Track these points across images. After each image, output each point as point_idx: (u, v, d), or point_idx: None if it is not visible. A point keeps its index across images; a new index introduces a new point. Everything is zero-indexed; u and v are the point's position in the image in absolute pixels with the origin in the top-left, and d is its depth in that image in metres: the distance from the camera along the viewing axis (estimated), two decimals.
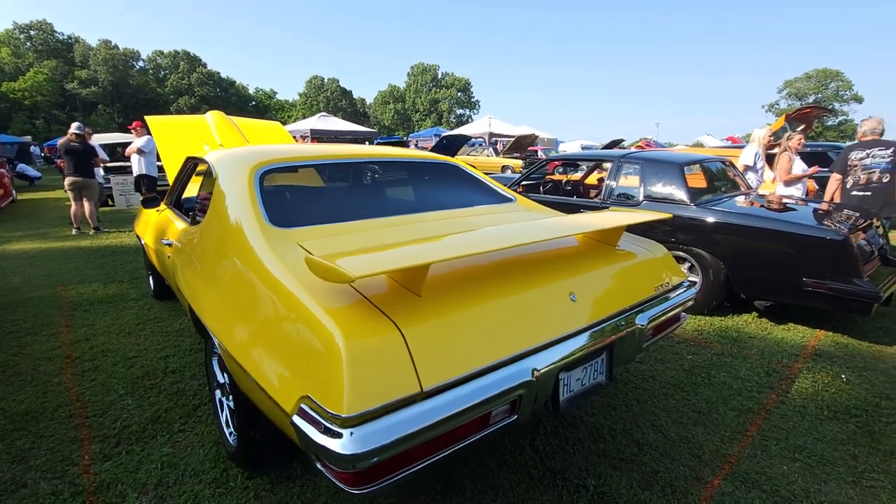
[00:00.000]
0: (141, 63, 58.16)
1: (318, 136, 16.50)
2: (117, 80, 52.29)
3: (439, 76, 76.41)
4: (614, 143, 18.64)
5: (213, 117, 4.92)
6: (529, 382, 1.32)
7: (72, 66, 51.04)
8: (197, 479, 1.92)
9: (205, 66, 61.21)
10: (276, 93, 76.52)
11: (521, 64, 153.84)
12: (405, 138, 15.71)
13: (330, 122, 16.73)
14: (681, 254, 3.83)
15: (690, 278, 3.82)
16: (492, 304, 1.41)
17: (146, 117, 4.96)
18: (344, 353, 1.10)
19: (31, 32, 50.70)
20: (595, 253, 1.91)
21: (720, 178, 4.78)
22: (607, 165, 4.52)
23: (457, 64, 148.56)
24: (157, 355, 3.03)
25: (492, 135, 21.75)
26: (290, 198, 2.14)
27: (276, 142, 5.21)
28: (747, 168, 5.33)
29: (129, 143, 8.11)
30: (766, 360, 3.02)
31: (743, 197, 4.17)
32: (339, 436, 1.03)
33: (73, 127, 7.01)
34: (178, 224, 2.67)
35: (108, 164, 9.73)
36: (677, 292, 2.02)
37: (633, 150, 5.14)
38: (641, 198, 4.07)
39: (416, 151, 2.91)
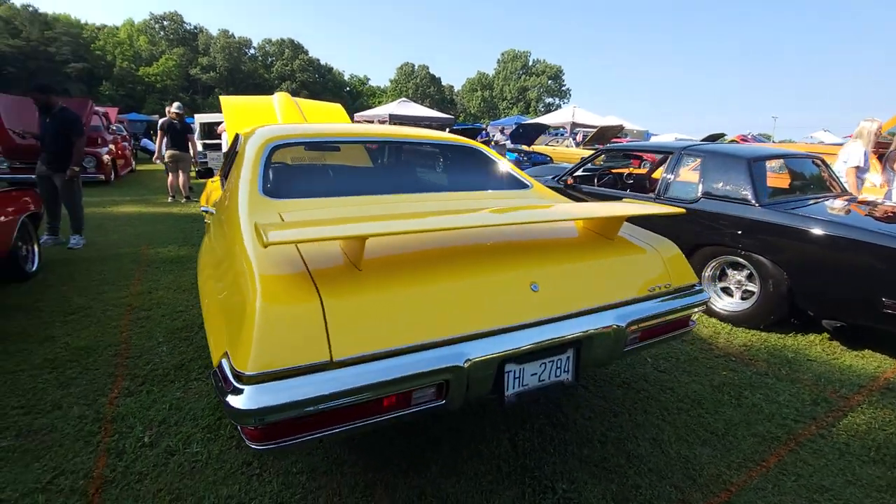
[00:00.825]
0: (252, 50, 63.58)
1: (397, 121, 16.96)
2: (232, 67, 57.72)
3: (530, 63, 74.63)
4: (714, 138, 16.97)
5: (279, 98, 5.26)
6: (457, 368, 1.28)
7: (196, 54, 57.22)
8: (194, 423, 2.11)
9: (307, 53, 65.40)
10: (368, 79, 79.77)
11: (621, 50, 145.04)
12: (485, 126, 15.58)
13: (408, 108, 17.09)
14: (738, 259, 3.43)
15: (749, 287, 3.41)
16: (436, 286, 1.37)
17: (220, 97, 5.43)
18: (257, 313, 1.14)
19: (164, 23, 57.53)
20: (582, 244, 1.78)
21: (804, 178, 4.17)
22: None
23: (550, 51, 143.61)
24: (199, 311, 3.36)
25: (574, 125, 20.86)
26: (293, 172, 2.24)
27: (332, 122, 5.44)
28: (859, 170, 4.54)
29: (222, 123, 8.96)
30: (818, 388, 2.62)
31: (832, 200, 3.61)
32: (239, 392, 1.08)
33: (174, 107, 7.89)
34: (217, 193, 2.92)
35: (206, 141, 10.83)
36: (679, 296, 1.81)
37: (698, 142, 4.65)
38: (699, 194, 3.69)
39: (436, 133, 2.88)
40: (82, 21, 53.54)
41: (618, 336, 1.62)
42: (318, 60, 67.32)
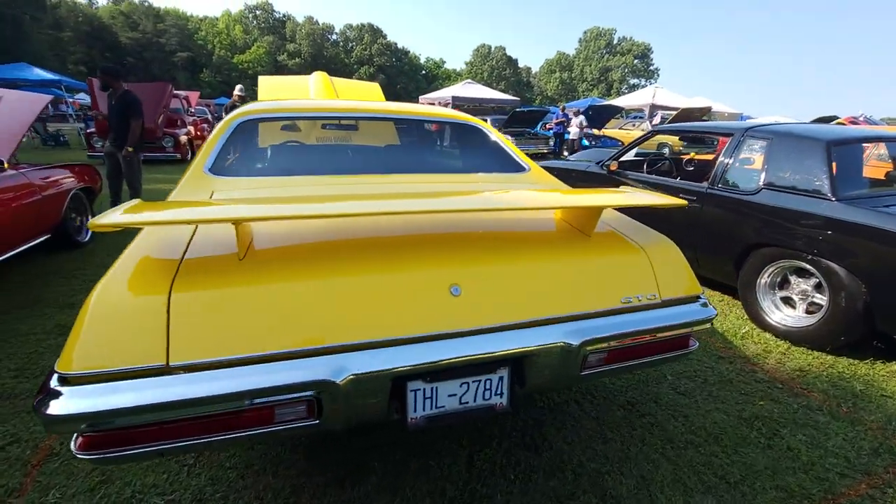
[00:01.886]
0: (334, 36, 65.89)
1: (459, 104, 16.62)
2: (315, 52, 60.30)
3: (615, 41, 70.03)
4: (826, 121, 14.76)
5: (315, 77, 5.22)
6: (328, 384, 1.06)
7: (283, 41, 60.44)
8: None
9: (385, 37, 66.51)
10: (444, 62, 79.55)
11: (722, 25, 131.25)
12: (562, 106, 14.69)
13: (472, 90, 16.65)
14: (804, 265, 2.82)
15: (816, 298, 2.80)
16: (324, 284, 1.16)
17: (259, 77, 5.51)
18: (90, 305, 1.01)
19: (257, 12, 61.26)
20: (544, 240, 1.46)
21: None
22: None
23: (637, 29, 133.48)
24: None
25: (654, 107, 19.23)
26: (258, 149, 2.11)
27: (362, 100, 5.30)
28: None
29: None
30: (886, 434, 2.06)
31: None
32: (55, 395, 0.95)
33: (237, 89, 8.26)
34: None
35: None
36: (669, 310, 1.44)
37: (769, 123, 3.91)
38: (761, 183, 3.08)
39: (435, 110, 2.62)
40: (188, 13, 58.64)
41: (568, 356, 1.30)
42: (396, 44, 68.19)
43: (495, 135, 2.44)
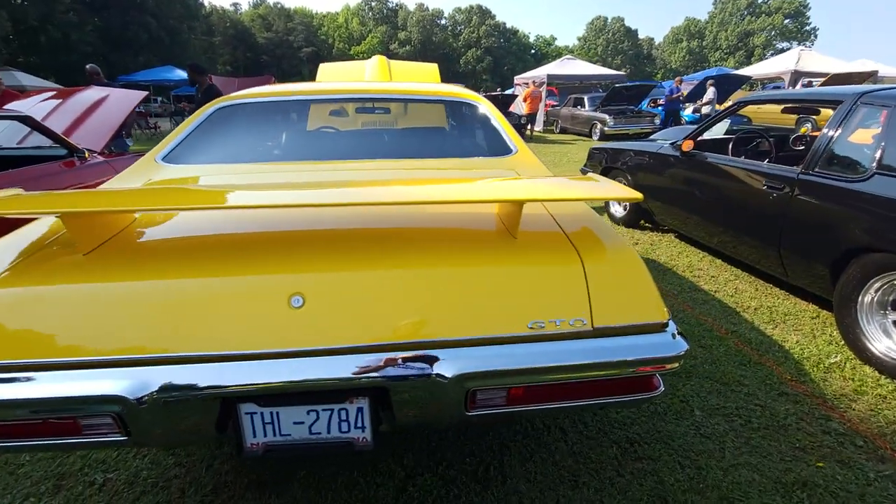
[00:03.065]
0: (443, 21, 66.51)
1: (555, 81, 15.61)
2: (424, 39, 61.60)
3: (759, 0, 60.27)
4: None
5: (373, 60, 5.20)
6: (125, 401, 0.94)
7: (395, 30, 62.69)
8: None
9: (493, 17, 65.36)
10: (555, 39, 75.95)
11: None
12: (677, 81, 12.93)
13: (570, 66, 15.36)
14: None
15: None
16: (151, 287, 1.03)
17: (320, 65, 5.64)
18: None
19: (372, 3, 64.18)
20: (451, 242, 1.17)
21: None
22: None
23: None
24: None
25: (797, 73, 16.16)
26: (219, 135, 2.05)
27: (419, 81, 5.13)
28: None
29: None
30: None
31: None
32: None
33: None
34: None
35: None
36: (605, 341, 1.06)
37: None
38: (874, 167, 2.31)
39: (425, 87, 2.36)
40: (313, 11, 63.71)
41: (441, 392, 1.02)
42: (504, 24, 66.65)
43: (490, 112, 2.12)
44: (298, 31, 57.94)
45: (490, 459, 1.72)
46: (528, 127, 13.84)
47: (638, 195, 1.08)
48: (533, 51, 71.86)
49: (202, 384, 0.97)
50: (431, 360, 1.01)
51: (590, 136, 13.32)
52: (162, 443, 1.05)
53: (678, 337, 1.13)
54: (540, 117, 14.77)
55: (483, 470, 1.67)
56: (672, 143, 3.90)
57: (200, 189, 1.36)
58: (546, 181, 1.22)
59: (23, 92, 5.10)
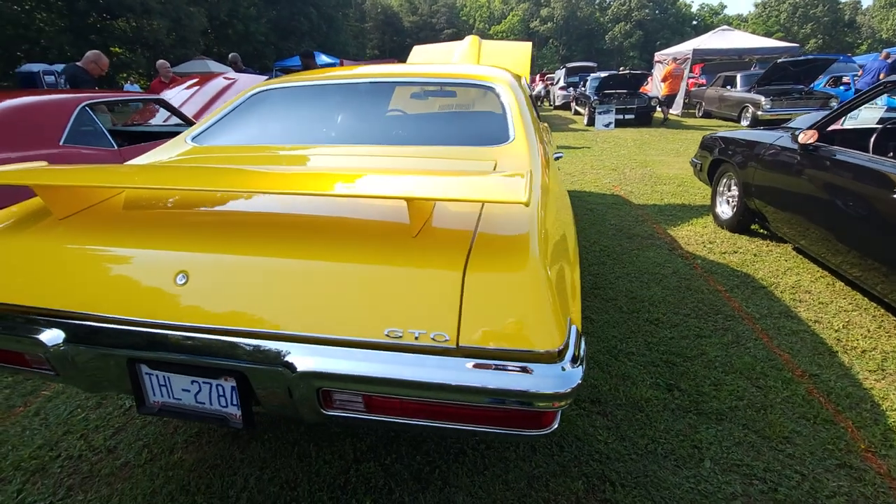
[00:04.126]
0: None
1: (701, 56, 13.49)
2: (568, 15, 58.51)
3: None
4: None
5: (465, 41, 5.12)
6: (42, 345, 1.10)
7: (538, 6, 60.61)
8: None
9: None
10: (724, 7, 65.96)
11: None
12: (883, 54, 10.13)
13: (725, 38, 12.94)
14: None
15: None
16: (85, 251, 1.18)
17: (414, 47, 5.69)
18: None
19: None
20: (350, 235, 1.12)
21: None
22: None
23: None
24: None
25: None
26: (249, 119, 2.21)
27: (512, 63, 4.89)
28: None
29: None
30: None
31: None
32: None
33: None
34: None
35: None
36: (469, 363, 0.93)
37: None
38: None
39: (446, 70, 2.24)
40: None
41: (291, 386, 1.01)
42: None
43: (507, 96, 1.95)
44: (441, 13, 59.58)
45: (440, 462, 1.65)
46: (663, 110, 12.37)
47: (520, 199, 0.90)
48: (694, 22, 63.45)
49: (99, 341, 1.10)
50: (283, 353, 1.00)
51: (738, 121, 11.40)
52: (84, 385, 1.24)
53: (575, 368, 0.94)
54: (680, 99, 13.06)
55: (428, 471, 1.62)
56: (792, 134, 3.16)
57: (147, 169, 1.48)
58: (447, 178, 1.09)
59: (181, 77, 6.17)
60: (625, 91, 11.78)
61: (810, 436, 1.75)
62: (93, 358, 1.13)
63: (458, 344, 0.95)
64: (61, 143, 3.04)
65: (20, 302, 1.15)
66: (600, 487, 1.55)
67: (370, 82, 2.17)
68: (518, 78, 2.44)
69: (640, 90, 12.09)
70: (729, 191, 4.07)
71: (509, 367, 0.93)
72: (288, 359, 1.00)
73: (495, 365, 0.93)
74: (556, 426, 1.02)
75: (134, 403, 1.19)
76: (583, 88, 13.86)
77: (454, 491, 1.55)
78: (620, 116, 11.42)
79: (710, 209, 4.40)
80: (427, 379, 0.93)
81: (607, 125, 11.30)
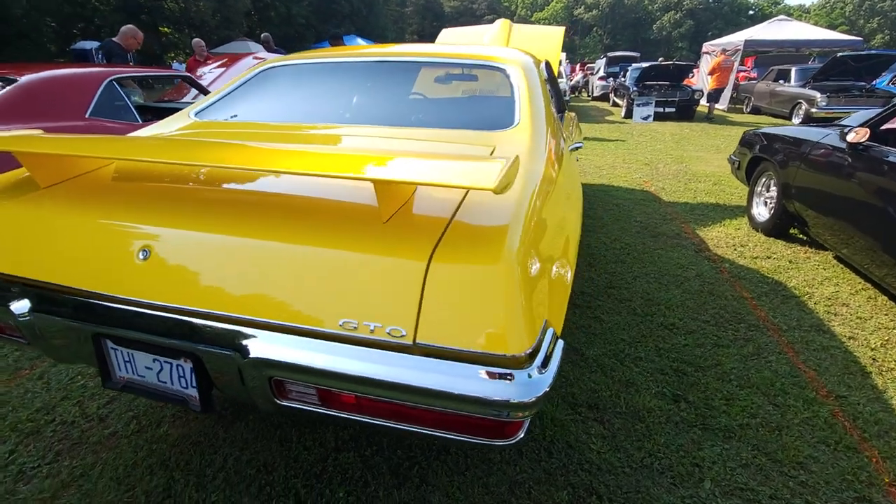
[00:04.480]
0: None
1: (754, 48, 12.62)
2: (614, 2, 56.38)
3: None
4: None
5: (495, 24, 4.96)
6: (10, 314, 1.10)
7: None
8: None
9: None
10: None
11: None
12: None
13: (781, 30, 11.96)
14: None
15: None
16: (56, 220, 1.16)
17: (443, 30, 5.54)
18: None
19: None
20: (321, 217, 1.06)
21: None
22: None
23: None
24: None
25: None
26: (254, 96, 2.16)
27: (541, 48, 4.69)
28: None
29: None
30: None
31: None
32: None
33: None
34: None
35: None
36: (424, 362, 0.85)
37: None
38: None
39: (457, 51, 2.13)
40: None
41: (243, 372, 0.96)
42: None
43: (518, 79, 1.84)
44: (482, 0, 58.56)
45: (420, 459, 1.60)
46: (708, 105, 11.74)
47: (488, 185, 0.80)
48: (751, 12, 60.01)
49: (64, 313, 1.09)
50: (235, 337, 0.96)
51: (790, 118, 10.70)
52: (53, 356, 1.23)
53: (542, 376, 0.85)
54: (727, 93, 12.34)
55: (407, 467, 1.57)
56: (841, 132, 2.89)
57: (131, 141, 1.43)
58: (417, 160, 1.00)
59: (218, 56, 6.25)
60: (667, 83, 11.23)
61: (828, 463, 1.60)
62: (59, 329, 1.12)
63: (415, 340, 0.87)
64: (87, 116, 3.12)
65: (7, 271, 1.15)
66: (586, 500, 1.46)
67: (376, 62, 2.09)
68: (539, 62, 2.30)
69: (684, 82, 11.51)
70: (767, 191, 3.79)
71: (467, 370, 0.84)
72: (240, 343, 0.95)
73: (451, 366, 0.85)
74: (521, 436, 0.93)
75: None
76: (622, 79, 13.33)
77: (431, 490, 1.49)
78: (660, 109, 10.93)
79: (745, 210, 4.13)
80: (374, 376, 0.86)
81: (645, 118, 10.84)
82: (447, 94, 2.07)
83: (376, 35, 32.20)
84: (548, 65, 3.24)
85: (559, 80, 11.59)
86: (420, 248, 0.93)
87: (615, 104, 14.42)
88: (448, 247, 0.94)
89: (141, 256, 1.05)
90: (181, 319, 1.00)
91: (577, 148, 2.76)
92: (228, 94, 2.11)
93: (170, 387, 1.12)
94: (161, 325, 1.02)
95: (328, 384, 0.92)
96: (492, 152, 1.42)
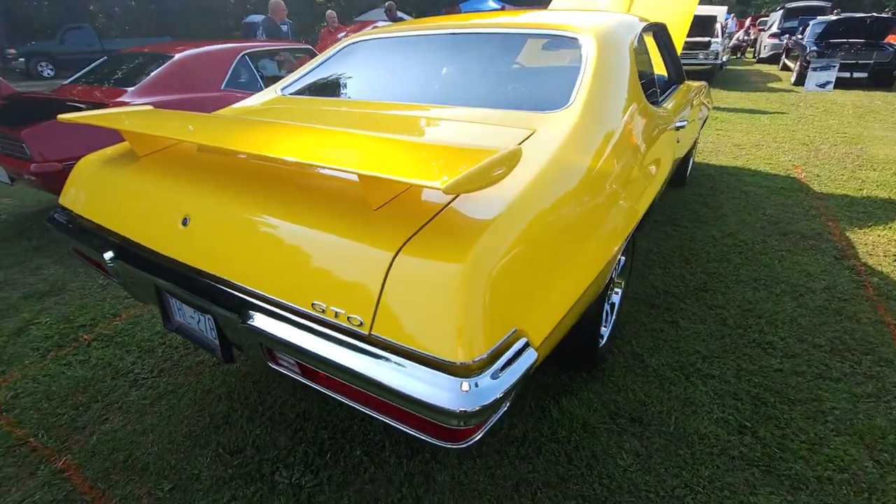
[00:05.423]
0: None
1: None
2: None
3: None
4: None
5: None
6: (104, 258, 1.36)
7: None
8: None
9: None
10: None
11: None
12: None
13: None
14: None
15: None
16: (142, 187, 1.40)
17: None
18: None
19: None
20: (330, 198, 1.11)
21: None
22: None
23: None
24: None
25: None
26: (334, 71, 2.24)
27: (672, 9, 4.04)
28: None
29: None
30: None
31: None
32: None
33: None
34: None
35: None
36: (374, 352, 0.86)
37: None
38: None
39: (533, 20, 1.94)
40: None
41: (242, 335, 1.08)
42: None
43: (591, 50, 1.65)
44: None
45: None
46: None
47: (436, 184, 0.74)
48: None
49: (134, 263, 1.32)
50: (237, 303, 1.07)
51: None
52: (134, 296, 1.51)
53: (490, 385, 0.81)
54: None
55: (422, 442, 1.62)
56: None
57: (206, 120, 1.60)
58: (399, 149, 0.97)
59: (343, 25, 6.66)
60: (860, 41, 8.99)
61: None
62: (132, 276, 1.37)
63: (370, 331, 0.89)
64: (222, 88, 3.61)
65: (96, 220, 1.44)
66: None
67: (444, 34, 2.04)
68: (649, 28, 2.04)
69: (886, 40, 9.09)
70: None
71: (412, 370, 0.84)
72: (241, 309, 1.07)
73: (399, 362, 0.85)
74: (472, 442, 0.90)
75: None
76: (799, 36, 11.01)
77: (438, 468, 1.53)
78: (846, 74, 8.84)
79: None
80: (331, 357, 0.90)
81: (823, 85, 8.85)
82: (513, 68, 1.94)
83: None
84: (664, 29, 2.83)
85: (715, 40, 10.00)
86: (393, 238, 0.93)
87: (785, 67, 12.05)
88: (422, 241, 0.92)
89: (184, 222, 1.22)
90: (203, 281, 1.16)
91: (680, 127, 2.41)
92: (312, 70, 2.25)
93: (205, 335, 1.32)
94: (191, 283, 1.19)
95: (300, 358, 0.99)
96: (527, 137, 1.32)
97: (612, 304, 1.98)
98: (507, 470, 1.52)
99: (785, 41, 12.79)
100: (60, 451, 1.62)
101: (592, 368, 1.88)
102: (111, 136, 1.52)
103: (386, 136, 1.17)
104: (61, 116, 1.57)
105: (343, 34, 6.05)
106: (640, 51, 2.14)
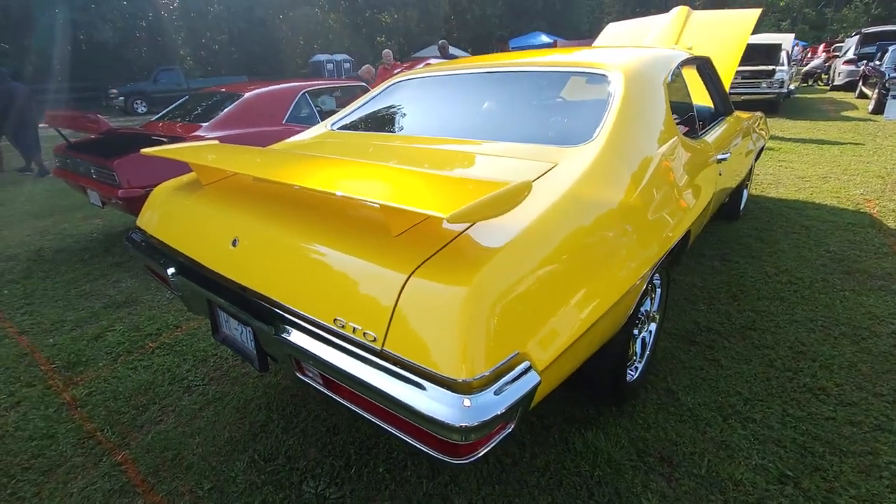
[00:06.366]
0: None
1: None
2: None
3: None
4: None
5: (667, 15, 4.40)
6: (167, 274, 1.55)
7: None
8: None
9: None
10: None
11: None
12: None
13: None
14: None
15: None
16: (203, 211, 1.59)
17: (608, 25, 5.06)
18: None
19: None
20: (356, 224, 1.21)
21: None
22: None
23: None
24: None
25: None
26: (381, 107, 2.41)
27: (723, 40, 3.94)
28: None
29: None
30: None
31: None
32: None
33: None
34: None
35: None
36: (386, 367, 0.93)
37: None
38: None
39: (564, 59, 2.01)
40: None
41: (275, 346, 1.19)
42: None
43: (619, 87, 1.69)
44: None
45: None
46: None
47: (440, 213, 0.81)
48: None
49: (191, 278, 1.49)
50: (271, 317, 1.19)
51: None
52: (188, 307, 1.68)
53: (489, 403, 0.85)
54: None
55: (444, 465, 1.65)
56: None
57: (261, 154, 1.77)
58: (416, 181, 1.05)
59: (398, 63, 7.08)
60: None
61: None
62: (189, 290, 1.54)
63: (382, 346, 0.96)
64: (284, 122, 3.95)
65: (164, 240, 1.65)
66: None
67: (483, 73, 2.16)
68: (698, 61, 2.06)
69: None
70: None
71: (416, 383, 0.90)
72: (274, 323, 1.18)
73: (404, 376, 0.92)
74: (473, 459, 0.94)
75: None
76: (877, 62, 10.31)
77: (457, 491, 1.55)
78: None
79: None
80: (352, 372, 0.98)
81: None
82: (542, 103, 2.02)
83: (570, 28, 31.41)
84: (708, 63, 2.81)
85: (781, 68, 9.59)
86: (409, 260, 1.01)
87: (862, 95, 11.29)
88: (437, 264, 0.99)
89: (234, 243, 1.37)
90: (245, 295, 1.29)
91: (721, 160, 2.36)
92: (359, 107, 2.45)
93: (245, 346, 1.45)
94: (236, 297, 1.33)
95: (322, 369, 1.08)
96: (546, 171, 1.38)
97: (643, 339, 1.94)
98: (526, 500, 1.51)
99: (862, 67, 12.03)
100: (120, 446, 1.80)
101: (620, 403, 1.84)
102: (184, 167, 1.74)
103: (410, 168, 1.27)
104: (143, 151, 1.82)
105: (398, 70, 6.44)
106: (677, 85, 2.16)
